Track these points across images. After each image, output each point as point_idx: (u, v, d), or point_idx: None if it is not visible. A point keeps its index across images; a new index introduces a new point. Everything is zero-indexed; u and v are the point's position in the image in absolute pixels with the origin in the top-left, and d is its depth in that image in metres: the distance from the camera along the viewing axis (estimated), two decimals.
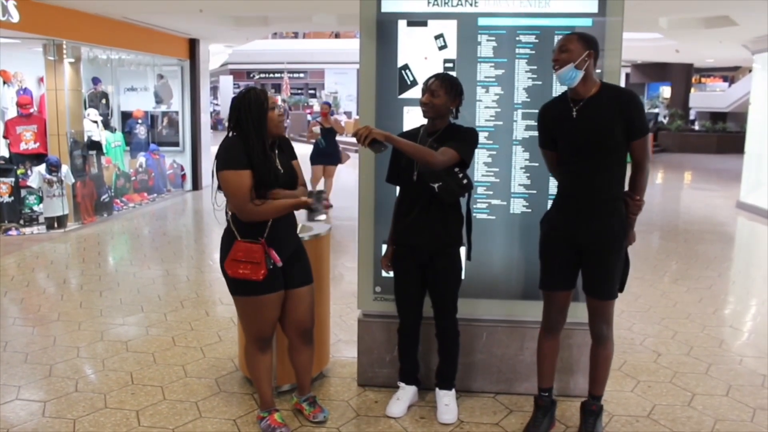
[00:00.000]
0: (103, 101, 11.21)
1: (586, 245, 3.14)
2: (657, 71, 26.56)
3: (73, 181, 8.76)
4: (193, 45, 12.38)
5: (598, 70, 3.57)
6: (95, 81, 11.07)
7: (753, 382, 4.08)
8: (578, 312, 3.47)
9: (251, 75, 35.58)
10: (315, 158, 10.02)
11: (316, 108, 29.73)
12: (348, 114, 25.87)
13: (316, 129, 10.02)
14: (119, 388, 3.87)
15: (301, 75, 35.65)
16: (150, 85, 12.36)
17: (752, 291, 6.49)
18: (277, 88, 33.25)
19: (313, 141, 10.18)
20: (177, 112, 12.49)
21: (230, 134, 3.10)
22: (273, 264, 3.09)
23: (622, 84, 3.81)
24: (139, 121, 11.86)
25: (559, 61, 3.03)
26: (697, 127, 25.63)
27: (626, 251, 3.22)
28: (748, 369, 4.29)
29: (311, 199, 3.11)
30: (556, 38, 3.55)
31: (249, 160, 3.01)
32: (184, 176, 12.53)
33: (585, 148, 3.07)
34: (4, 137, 9.24)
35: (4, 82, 9.90)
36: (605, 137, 3.04)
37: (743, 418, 3.61)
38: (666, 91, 27.47)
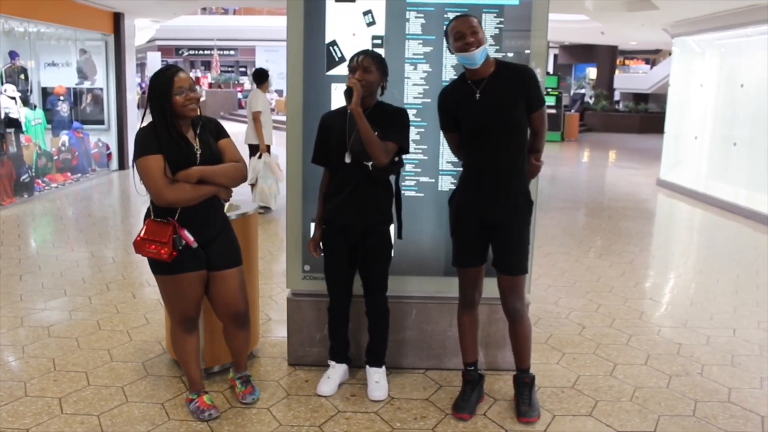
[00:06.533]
0: (22, 77, 10.69)
1: (494, 221, 3.20)
2: (583, 53, 27.24)
3: None
4: (117, 19, 11.92)
5: (527, 51, 3.65)
6: (12, 55, 10.54)
7: (669, 350, 4.28)
8: None
9: (180, 52, 34.63)
10: None
11: (247, 86, 29.21)
12: (279, 92, 25.45)
13: None
14: (40, 375, 3.74)
15: (232, 52, 34.92)
16: (72, 61, 11.85)
17: (671, 265, 6.77)
18: (207, 66, 32.50)
19: None
20: (101, 89, 12.05)
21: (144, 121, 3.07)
22: (185, 244, 3.03)
23: (551, 65, 3.87)
24: (61, 97, 11.39)
25: (475, 43, 3.03)
26: (621, 108, 26.42)
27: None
28: (665, 339, 4.49)
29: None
30: (484, 16, 3.58)
31: (158, 144, 2.96)
32: (109, 155, 12.11)
33: (490, 127, 3.13)
34: None
35: None
36: (510, 114, 3.11)
37: (660, 385, 3.77)
38: (592, 72, 28.18)
